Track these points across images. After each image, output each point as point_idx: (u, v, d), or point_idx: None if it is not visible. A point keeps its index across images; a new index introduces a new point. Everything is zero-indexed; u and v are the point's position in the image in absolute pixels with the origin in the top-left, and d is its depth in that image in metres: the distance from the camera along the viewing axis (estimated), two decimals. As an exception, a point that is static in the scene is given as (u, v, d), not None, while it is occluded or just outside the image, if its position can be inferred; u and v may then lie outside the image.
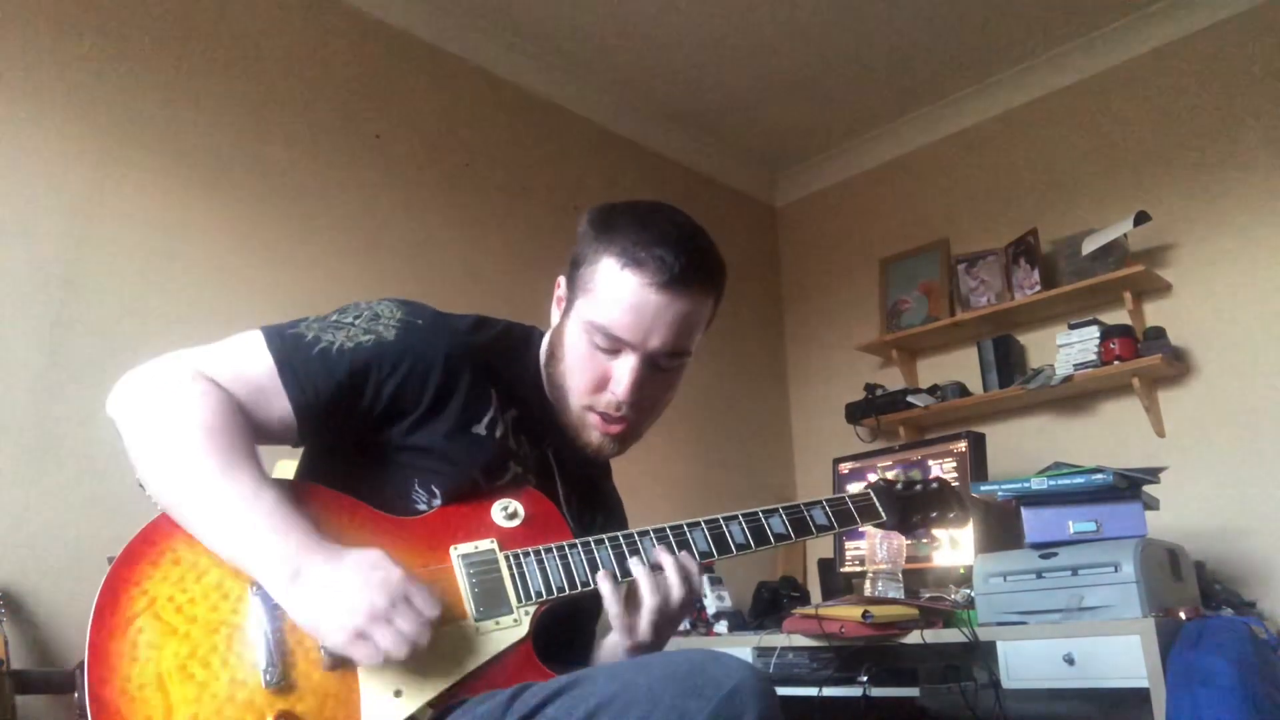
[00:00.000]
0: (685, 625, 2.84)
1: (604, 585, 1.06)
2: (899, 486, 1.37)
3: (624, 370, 1.10)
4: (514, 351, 1.19)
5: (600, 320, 1.09)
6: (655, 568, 1.09)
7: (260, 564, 0.93)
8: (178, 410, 0.98)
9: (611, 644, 1.09)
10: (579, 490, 1.24)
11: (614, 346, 1.10)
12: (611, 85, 3.43)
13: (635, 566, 1.08)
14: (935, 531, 1.44)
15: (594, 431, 1.15)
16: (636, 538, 1.12)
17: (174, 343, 2.39)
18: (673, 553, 1.10)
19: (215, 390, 1.00)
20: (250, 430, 1.01)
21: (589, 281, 1.12)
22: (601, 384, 1.12)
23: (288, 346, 1.05)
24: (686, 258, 1.08)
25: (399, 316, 1.10)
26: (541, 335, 1.23)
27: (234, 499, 0.94)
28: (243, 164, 2.48)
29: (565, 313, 1.16)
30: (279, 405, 1.03)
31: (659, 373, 1.13)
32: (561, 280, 1.19)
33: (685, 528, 1.15)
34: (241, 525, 0.94)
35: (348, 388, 1.04)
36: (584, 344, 1.12)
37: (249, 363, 1.04)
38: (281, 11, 2.66)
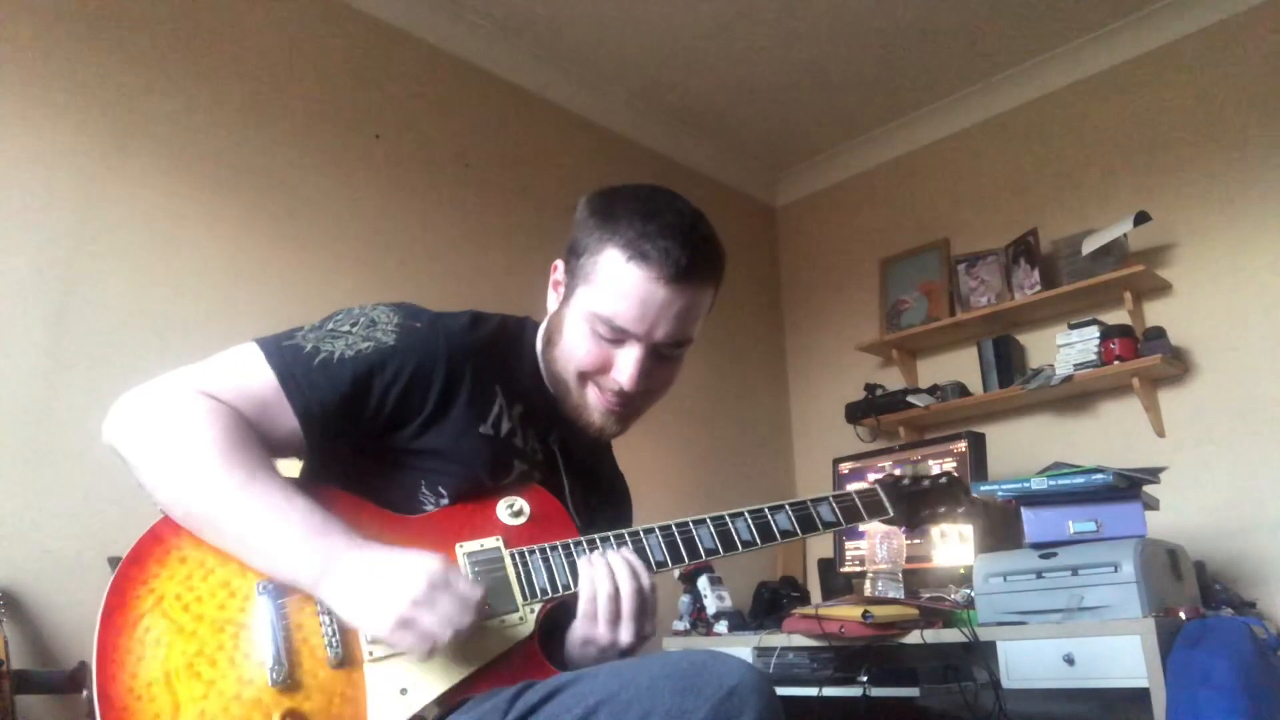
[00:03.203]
0: (685, 624, 2.84)
1: (586, 588, 1.05)
2: (906, 481, 1.37)
3: (628, 360, 1.10)
4: (512, 346, 1.19)
5: (605, 312, 1.09)
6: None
7: (306, 569, 0.93)
8: (188, 431, 0.97)
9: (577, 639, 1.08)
10: (582, 478, 1.24)
11: (618, 337, 1.10)
12: (611, 85, 3.43)
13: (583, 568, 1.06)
14: (942, 526, 1.43)
15: (595, 410, 1.14)
16: (642, 535, 1.13)
17: (174, 342, 2.39)
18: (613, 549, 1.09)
19: (221, 407, 0.99)
20: (262, 442, 1.01)
21: (591, 272, 1.11)
22: (604, 368, 1.12)
23: (287, 359, 1.04)
24: (692, 250, 1.08)
25: (396, 321, 1.09)
26: (535, 326, 1.23)
27: (264, 510, 0.94)
28: (242, 164, 2.48)
29: (565, 300, 1.15)
30: (285, 419, 1.02)
31: (661, 360, 1.13)
32: (559, 265, 1.18)
33: (691, 525, 1.15)
34: (277, 534, 0.94)
35: (351, 396, 1.04)
36: (586, 332, 1.11)
37: (250, 378, 1.03)
38: (281, 11, 2.66)
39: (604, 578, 1.04)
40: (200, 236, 2.36)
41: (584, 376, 1.13)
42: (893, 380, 3.44)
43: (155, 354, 2.17)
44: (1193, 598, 2.23)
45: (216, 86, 2.47)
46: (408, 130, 2.87)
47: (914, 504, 1.36)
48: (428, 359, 1.07)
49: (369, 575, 0.92)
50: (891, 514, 1.31)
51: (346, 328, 1.08)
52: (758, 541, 1.17)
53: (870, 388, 3.38)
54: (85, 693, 1.73)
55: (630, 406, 1.15)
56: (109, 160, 2.23)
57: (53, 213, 2.12)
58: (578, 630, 1.07)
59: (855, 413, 3.40)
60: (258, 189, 2.49)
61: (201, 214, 2.37)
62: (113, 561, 0.97)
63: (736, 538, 1.16)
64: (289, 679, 0.92)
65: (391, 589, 0.91)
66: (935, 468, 2.71)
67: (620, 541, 1.11)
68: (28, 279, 2.06)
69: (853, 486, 1.34)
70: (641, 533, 1.13)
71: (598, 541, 1.10)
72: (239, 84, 2.52)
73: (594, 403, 1.14)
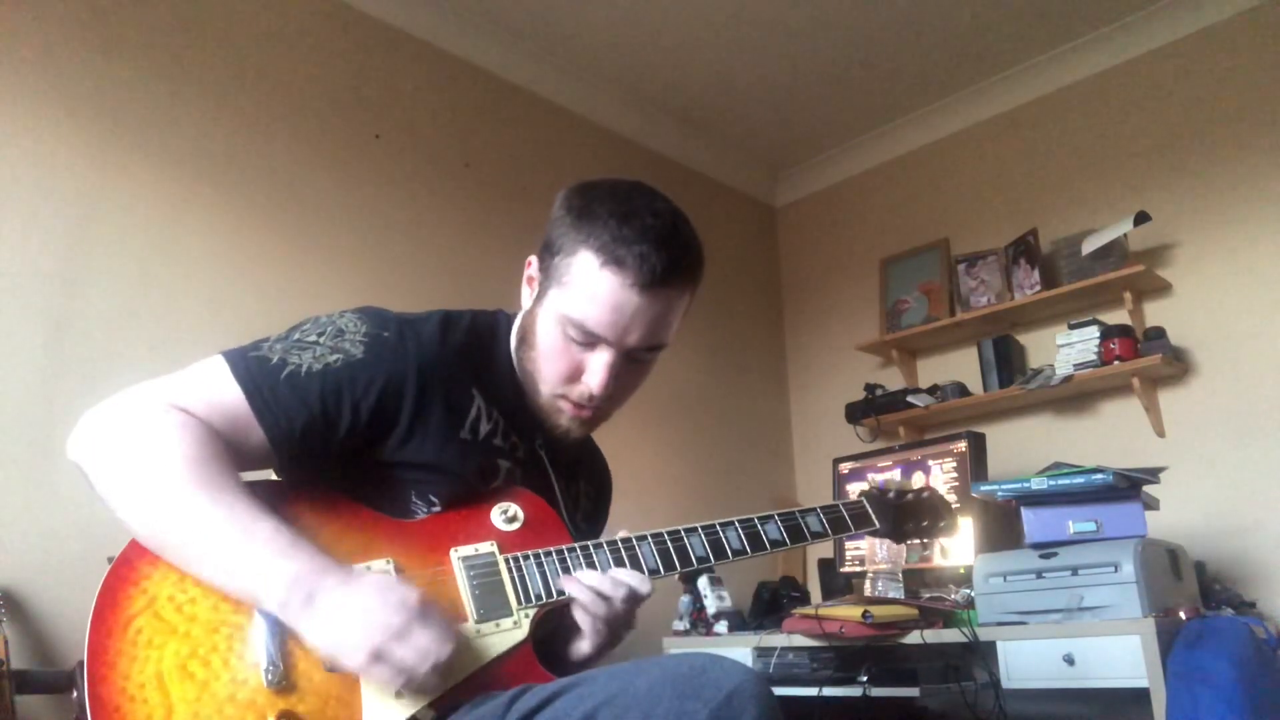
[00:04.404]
0: (685, 625, 2.84)
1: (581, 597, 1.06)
2: (891, 495, 1.38)
3: (599, 364, 1.09)
4: (485, 346, 1.17)
5: (576, 316, 1.07)
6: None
7: (271, 593, 0.90)
8: (157, 444, 0.94)
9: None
10: (568, 473, 1.24)
11: (589, 341, 1.08)
12: (611, 85, 3.43)
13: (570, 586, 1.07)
14: (926, 540, 1.45)
15: (564, 415, 1.14)
16: (635, 542, 1.13)
17: (173, 342, 2.39)
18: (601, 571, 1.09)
19: (191, 420, 0.96)
20: (233, 457, 0.98)
21: (564, 274, 1.09)
22: (574, 375, 1.10)
23: (254, 373, 1.01)
24: (668, 256, 1.06)
25: (365, 331, 1.07)
26: (508, 319, 1.21)
27: (231, 530, 0.92)
28: (242, 164, 2.47)
29: (538, 299, 1.14)
30: (255, 434, 1.00)
31: (633, 364, 1.12)
32: (533, 260, 1.17)
33: (683, 533, 1.16)
34: (245, 555, 0.91)
35: (321, 413, 1.01)
36: (558, 335, 1.10)
37: (219, 391, 0.99)
38: (282, 11, 2.66)
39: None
40: (200, 236, 2.36)
41: (557, 388, 1.12)
42: (893, 380, 3.44)
43: (155, 354, 2.17)
44: (1193, 598, 2.23)
45: (216, 87, 2.47)
46: (408, 130, 2.87)
47: (899, 517, 1.37)
48: (398, 371, 1.05)
49: (344, 605, 0.90)
50: (877, 526, 1.33)
51: (313, 338, 1.06)
52: (748, 551, 1.18)
53: (870, 388, 3.38)
54: (75, 694, 1.73)
55: (598, 411, 1.14)
56: (108, 160, 2.23)
57: (53, 213, 2.12)
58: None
59: (855, 413, 3.40)
60: (257, 189, 2.49)
61: (201, 214, 2.37)
62: (112, 561, 0.97)
63: (727, 546, 1.17)
64: (284, 680, 0.91)
65: (367, 620, 0.89)
66: (935, 469, 2.73)
67: (613, 548, 1.11)
68: (28, 279, 2.06)
69: (848, 489, 1.35)
70: (635, 540, 1.13)
71: (590, 548, 1.10)
72: (239, 84, 2.52)
73: (564, 408, 1.13)
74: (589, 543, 1.11)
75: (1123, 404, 2.96)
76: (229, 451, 0.98)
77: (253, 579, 0.91)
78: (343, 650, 0.89)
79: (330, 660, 0.92)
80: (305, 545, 0.93)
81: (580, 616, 1.07)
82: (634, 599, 1.07)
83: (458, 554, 1.05)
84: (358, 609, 0.90)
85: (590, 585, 1.05)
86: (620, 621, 1.08)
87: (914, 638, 2.25)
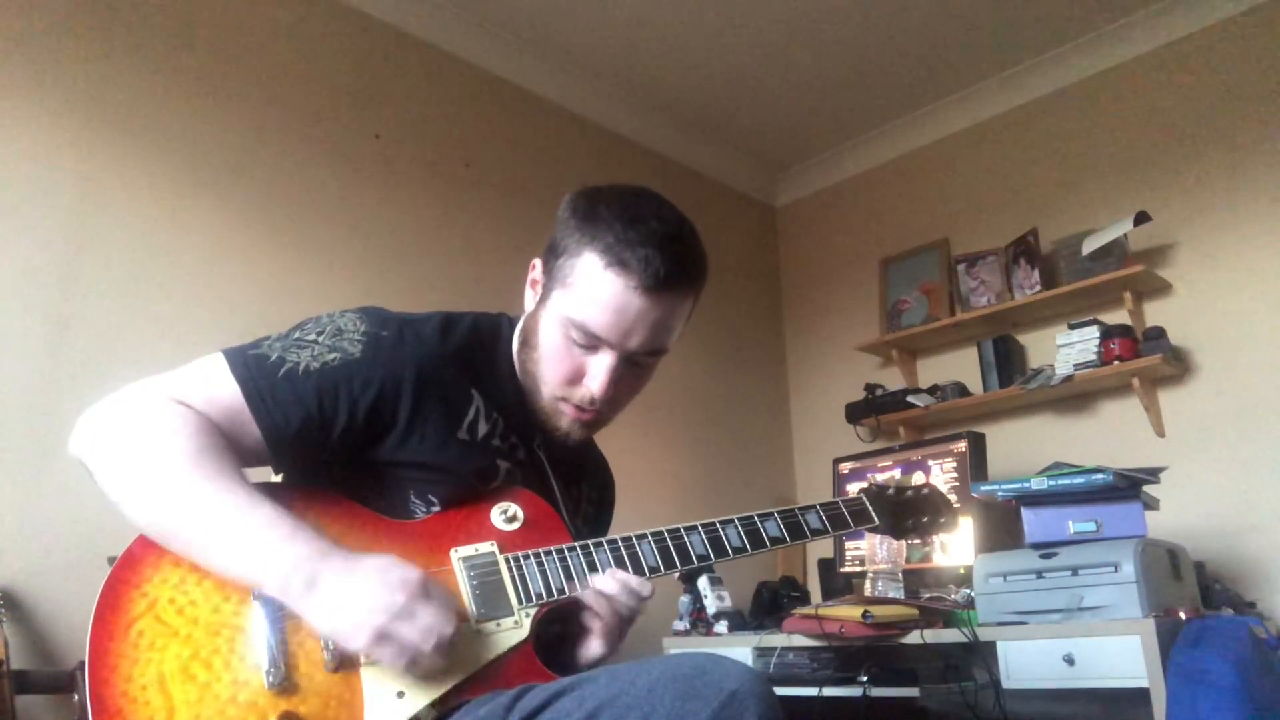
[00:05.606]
0: (685, 624, 2.84)
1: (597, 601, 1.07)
2: (890, 491, 1.38)
3: (600, 368, 1.09)
4: (485, 348, 1.17)
5: (579, 318, 1.07)
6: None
7: (272, 576, 0.91)
8: (159, 435, 0.95)
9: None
10: (567, 475, 1.24)
11: (591, 344, 1.09)
12: (611, 85, 3.43)
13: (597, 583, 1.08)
14: (926, 537, 1.45)
15: (565, 418, 1.14)
16: (635, 541, 1.13)
17: (173, 342, 2.38)
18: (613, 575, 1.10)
19: (190, 413, 0.97)
20: (232, 449, 0.99)
21: (568, 275, 1.09)
22: (576, 378, 1.11)
23: (252, 370, 1.02)
24: (671, 259, 1.06)
25: (363, 330, 1.07)
26: (510, 322, 1.21)
27: (233, 515, 0.92)
28: (242, 164, 2.47)
29: (541, 301, 1.14)
30: (253, 431, 1.01)
31: (634, 368, 1.13)
32: (537, 263, 1.17)
33: (683, 531, 1.16)
34: (246, 540, 0.92)
35: (317, 411, 1.02)
36: (560, 337, 1.10)
37: (217, 388, 1.00)
38: (281, 11, 2.66)
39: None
40: (200, 236, 2.36)
41: (558, 390, 1.12)
42: (893, 380, 3.44)
43: (155, 354, 2.16)
44: (1193, 598, 2.23)
45: (216, 87, 2.47)
46: (407, 130, 2.87)
47: (899, 513, 1.38)
48: (395, 371, 1.06)
49: (346, 587, 0.90)
50: (878, 523, 1.33)
51: (313, 337, 1.06)
52: (748, 548, 1.18)
53: (870, 388, 3.38)
54: (77, 696, 1.73)
55: (599, 415, 1.14)
56: (108, 160, 2.23)
57: (52, 213, 2.12)
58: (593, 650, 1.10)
59: (855, 413, 3.41)
60: (257, 189, 2.49)
61: (201, 214, 2.37)
62: (112, 561, 0.97)
63: (727, 544, 1.17)
64: (285, 681, 0.91)
65: (369, 601, 0.89)
66: (935, 469, 2.73)
67: (613, 546, 1.11)
68: (27, 279, 2.06)
69: (848, 489, 1.35)
70: (634, 539, 1.13)
71: (591, 546, 1.10)
72: (238, 84, 2.52)
73: (565, 411, 1.13)
74: (589, 541, 1.11)
75: (1123, 404, 2.96)
76: (227, 445, 0.99)
77: (254, 564, 0.92)
78: (346, 631, 0.90)
79: (333, 642, 0.92)
80: (306, 530, 0.94)
81: (594, 621, 1.08)
82: (639, 600, 1.09)
83: (458, 554, 1.05)
84: (360, 590, 0.90)
85: (608, 592, 1.07)
86: (629, 621, 1.09)
87: (914, 638, 2.25)
